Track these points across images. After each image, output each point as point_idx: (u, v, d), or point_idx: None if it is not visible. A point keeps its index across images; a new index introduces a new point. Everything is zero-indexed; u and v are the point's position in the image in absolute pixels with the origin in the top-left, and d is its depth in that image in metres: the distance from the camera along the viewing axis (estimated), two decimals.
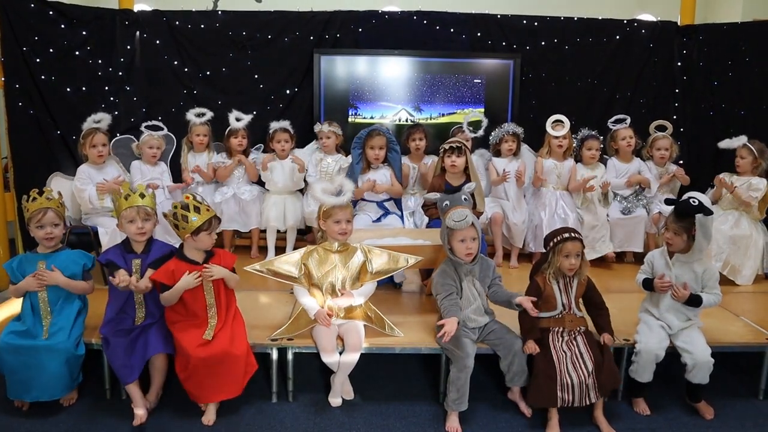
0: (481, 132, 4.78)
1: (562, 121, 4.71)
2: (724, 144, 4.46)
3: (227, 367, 2.84)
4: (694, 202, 2.90)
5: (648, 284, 3.07)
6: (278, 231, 4.81)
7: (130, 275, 2.92)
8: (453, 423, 2.88)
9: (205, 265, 2.90)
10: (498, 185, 4.72)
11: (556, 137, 4.70)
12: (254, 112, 4.92)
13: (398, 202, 4.50)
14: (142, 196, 2.98)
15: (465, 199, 3.06)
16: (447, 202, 3.05)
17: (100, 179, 4.24)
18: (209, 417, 2.87)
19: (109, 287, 2.97)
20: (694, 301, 2.95)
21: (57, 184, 4.41)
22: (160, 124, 4.69)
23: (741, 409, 3.09)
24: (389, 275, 3.35)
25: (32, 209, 2.93)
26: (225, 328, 2.92)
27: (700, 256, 2.98)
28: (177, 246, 3.10)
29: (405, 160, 4.78)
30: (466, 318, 3.02)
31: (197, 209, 2.86)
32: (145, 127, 4.64)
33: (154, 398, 2.98)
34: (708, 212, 2.88)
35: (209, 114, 4.82)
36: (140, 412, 2.83)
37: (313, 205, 4.52)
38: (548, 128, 4.74)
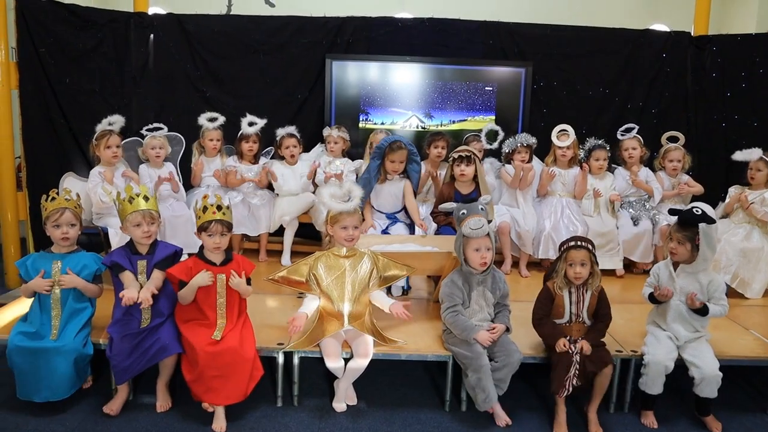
0: (496, 144, 4.79)
1: (567, 131, 4.71)
2: (741, 156, 4.39)
3: (235, 368, 2.85)
4: (697, 211, 2.90)
5: (654, 297, 3.05)
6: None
7: (136, 276, 2.95)
8: (500, 412, 2.93)
9: (224, 269, 2.94)
10: (515, 185, 4.69)
11: (561, 147, 4.70)
12: (266, 116, 4.93)
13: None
14: (146, 198, 2.99)
15: (482, 208, 3.05)
16: (464, 211, 3.05)
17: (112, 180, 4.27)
18: (219, 424, 2.84)
19: (115, 288, 2.98)
20: (701, 310, 2.93)
21: (69, 184, 4.45)
22: (161, 125, 4.70)
23: (749, 424, 3.05)
24: (393, 282, 3.38)
25: (50, 208, 2.96)
26: (234, 330, 2.94)
27: (705, 266, 2.97)
28: (181, 247, 3.14)
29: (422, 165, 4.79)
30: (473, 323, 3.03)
31: (204, 209, 2.92)
32: (146, 130, 4.66)
33: (164, 399, 2.99)
34: (711, 221, 2.89)
35: (221, 119, 4.83)
36: (114, 406, 2.93)
37: (324, 211, 4.52)
38: (553, 138, 4.74)
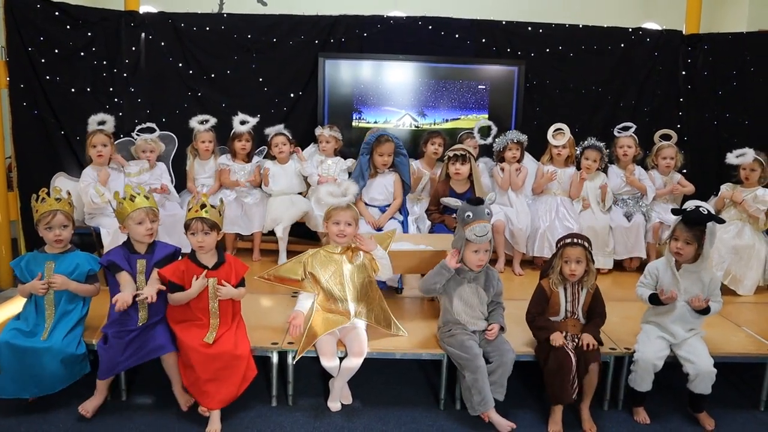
0: (489, 139, 4.81)
1: (562, 130, 4.73)
2: (737, 160, 4.37)
3: (228, 372, 2.84)
4: (703, 211, 2.90)
5: (655, 300, 3.01)
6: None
7: (134, 276, 2.93)
8: (499, 419, 2.87)
9: (216, 272, 2.94)
10: (506, 188, 4.71)
11: (556, 146, 4.72)
12: (258, 115, 4.92)
13: (402, 208, 4.48)
14: (147, 197, 2.99)
15: (488, 213, 3.03)
16: (470, 214, 2.99)
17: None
18: (214, 426, 2.81)
19: (110, 288, 2.97)
20: (705, 309, 2.95)
21: (60, 184, 4.42)
22: (153, 126, 4.68)
23: (742, 421, 3.08)
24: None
25: (41, 210, 2.94)
26: (229, 332, 2.93)
27: (706, 264, 2.98)
28: (179, 246, 3.13)
29: (417, 164, 4.82)
30: (467, 321, 3.03)
31: (190, 209, 2.92)
32: (138, 131, 4.63)
33: (184, 399, 2.96)
34: (720, 220, 2.92)
35: (212, 120, 4.81)
36: (90, 407, 2.89)
37: (318, 209, 4.52)
38: (549, 137, 4.76)
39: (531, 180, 4.86)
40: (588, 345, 2.87)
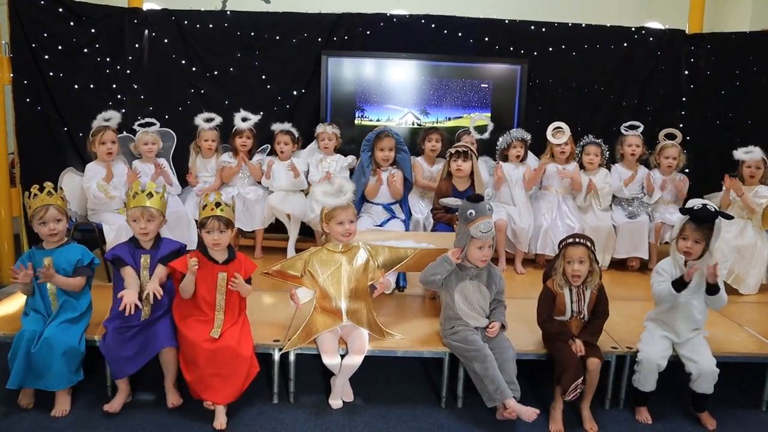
0: (486, 135, 4.81)
1: (561, 128, 4.73)
2: (746, 156, 4.36)
3: (233, 367, 2.85)
4: (710, 208, 2.89)
5: (678, 285, 2.89)
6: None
7: (138, 271, 2.94)
8: (520, 408, 2.79)
9: (226, 267, 2.95)
10: (498, 188, 4.72)
11: (558, 144, 4.71)
12: (261, 113, 4.93)
13: (404, 207, 4.49)
14: (150, 195, 2.99)
15: (489, 209, 3.03)
16: (472, 212, 2.98)
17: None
18: (220, 420, 2.82)
19: (115, 283, 2.97)
20: (715, 287, 2.90)
21: (69, 179, 4.39)
22: (153, 120, 4.69)
23: (743, 421, 3.07)
24: (397, 268, 3.37)
25: (34, 206, 2.93)
26: (233, 328, 2.94)
27: (711, 260, 2.97)
28: (185, 243, 3.15)
29: (419, 160, 4.83)
30: (469, 317, 3.03)
31: (204, 206, 2.93)
32: (138, 125, 4.64)
33: (174, 397, 2.97)
34: (728, 216, 2.92)
35: (218, 119, 4.82)
36: (116, 405, 2.92)
37: (316, 209, 4.51)
38: (549, 136, 4.75)
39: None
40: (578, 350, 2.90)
